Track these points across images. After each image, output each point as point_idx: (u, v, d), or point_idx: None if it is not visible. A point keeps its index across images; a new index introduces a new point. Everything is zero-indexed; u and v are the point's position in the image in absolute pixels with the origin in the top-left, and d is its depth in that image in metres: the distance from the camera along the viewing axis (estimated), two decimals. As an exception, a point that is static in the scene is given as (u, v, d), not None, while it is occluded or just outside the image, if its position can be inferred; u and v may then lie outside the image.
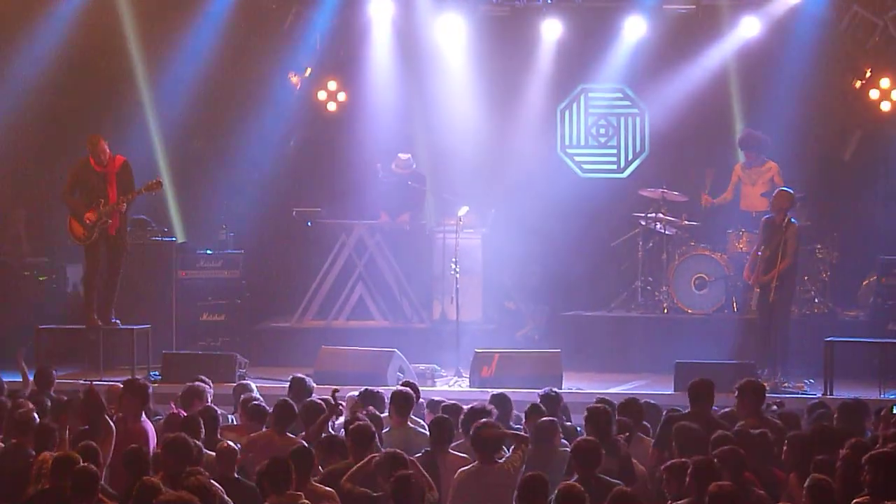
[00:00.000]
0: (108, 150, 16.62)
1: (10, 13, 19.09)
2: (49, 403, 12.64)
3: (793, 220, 16.50)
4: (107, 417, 11.41)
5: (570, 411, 12.76)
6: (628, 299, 19.27)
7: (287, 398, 12.29)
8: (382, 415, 12.24)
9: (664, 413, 11.97)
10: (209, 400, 12.80)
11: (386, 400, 12.59)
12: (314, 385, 13.40)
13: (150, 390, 13.17)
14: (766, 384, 13.25)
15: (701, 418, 11.38)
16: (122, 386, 12.40)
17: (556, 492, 9.08)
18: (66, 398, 12.79)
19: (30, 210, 20.25)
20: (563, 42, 20.29)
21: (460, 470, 10.44)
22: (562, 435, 11.30)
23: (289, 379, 13.51)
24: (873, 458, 9.07)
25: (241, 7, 19.90)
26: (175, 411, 12.30)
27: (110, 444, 11.17)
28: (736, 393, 11.89)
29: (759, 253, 16.60)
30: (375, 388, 13.07)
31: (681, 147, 20.20)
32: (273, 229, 20.61)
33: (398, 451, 10.18)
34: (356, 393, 13.14)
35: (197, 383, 13.08)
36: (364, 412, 11.94)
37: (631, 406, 12.00)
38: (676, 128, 20.13)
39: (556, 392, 12.59)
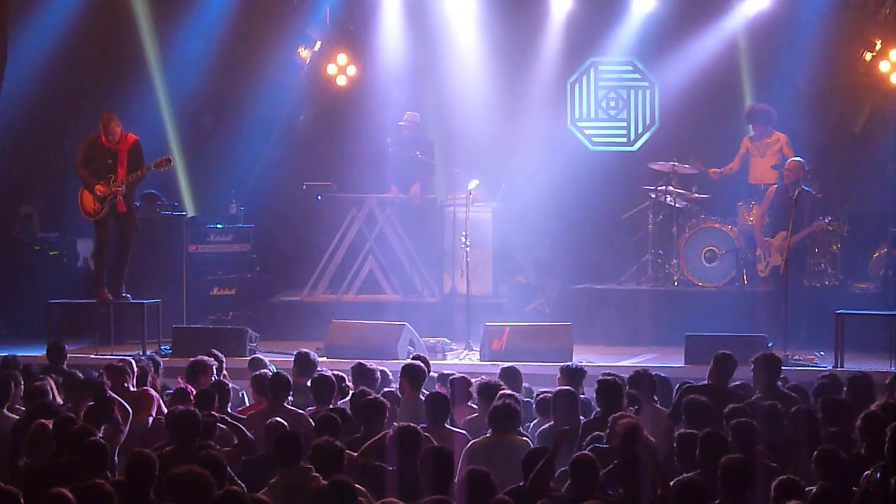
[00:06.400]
0: (119, 130, 16.63)
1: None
2: (61, 379, 12.70)
3: (805, 187, 16.64)
4: (123, 403, 11.35)
5: (583, 385, 12.76)
6: (638, 272, 19.24)
7: (281, 371, 12.33)
8: (393, 386, 12.27)
9: (677, 385, 12.00)
10: (215, 374, 12.82)
11: (378, 378, 12.62)
12: (318, 359, 13.44)
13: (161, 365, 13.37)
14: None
15: (720, 392, 11.44)
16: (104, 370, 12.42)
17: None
18: (81, 376, 12.80)
19: (42, 187, 20.30)
20: (573, 15, 20.23)
21: (472, 441, 10.42)
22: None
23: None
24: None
25: (251, -19, 19.93)
26: (182, 385, 12.33)
27: (125, 425, 11.14)
28: (752, 366, 11.92)
29: (762, 216, 17.24)
30: (369, 366, 12.89)
31: (691, 120, 20.11)
32: (283, 203, 20.62)
33: (412, 424, 10.09)
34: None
35: (202, 357, 13.09)
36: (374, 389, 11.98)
37: (640, 378, 12.02)
38: (686, 101, 20.04)
39: (578, 366, 12.55)
